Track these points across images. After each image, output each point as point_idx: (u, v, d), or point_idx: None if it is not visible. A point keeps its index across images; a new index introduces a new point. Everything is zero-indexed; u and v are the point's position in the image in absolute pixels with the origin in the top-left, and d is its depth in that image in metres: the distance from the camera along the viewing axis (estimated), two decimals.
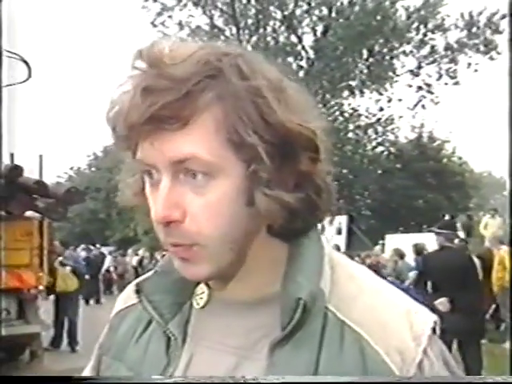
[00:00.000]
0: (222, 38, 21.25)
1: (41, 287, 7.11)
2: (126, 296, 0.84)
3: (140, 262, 18.26)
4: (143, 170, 0.65)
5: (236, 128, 0.60)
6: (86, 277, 11.94)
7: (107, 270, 18.61)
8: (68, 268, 8.55)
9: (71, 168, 33.59)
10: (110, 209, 26.85)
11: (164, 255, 0.84)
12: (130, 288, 0.83)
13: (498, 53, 19.98)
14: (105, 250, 20.57)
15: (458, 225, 12.85)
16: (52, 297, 8.58)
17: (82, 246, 18.23)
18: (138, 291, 0.74)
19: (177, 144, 0.60)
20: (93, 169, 33.32)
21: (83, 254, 16.84)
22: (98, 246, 20.15)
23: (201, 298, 0.74)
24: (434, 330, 0.65)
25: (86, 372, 0.84)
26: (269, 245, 0.70)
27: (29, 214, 6.72)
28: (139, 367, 0.72)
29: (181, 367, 0.69)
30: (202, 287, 0.74)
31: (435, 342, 0.65)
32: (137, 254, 19.18)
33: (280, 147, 0.62)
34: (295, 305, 0.63)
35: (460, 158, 25.27)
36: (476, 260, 8.12)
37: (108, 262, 19.11)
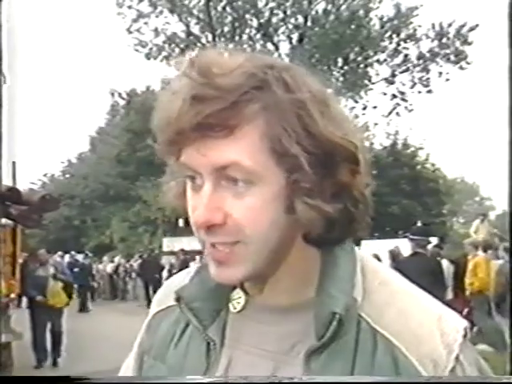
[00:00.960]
0: (199, 45, 21.24)
1: (12, 295, 6.97)
2: (160, 298, 0.86)
3: (116, 270, 18.05)
4: (186, 174, 0.67)
5: (280, 138, 0.62)
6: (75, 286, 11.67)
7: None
8: (60, 284, 8.00)
9: (45, 175, 33.08)
10: (85, 216, 26.50)
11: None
12: (164, 289, 0.87)
13: (468, 63, 20.47)
14: (79, 257, 20.26)
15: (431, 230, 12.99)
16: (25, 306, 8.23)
17: (59, 253, 17.92)
18: (178, 299, 0.76)
19: (221, 151, 0.62)
20: (67, 176, 32.85)
21: (66, 260, 16.66)
22: (73, 253, 19.81)
23: (238, 303, 0.76)
24: (465, 336, 0.66)
25: (128, 366, 0.86)
26: (304, 252, 0.71)
27: (1, 221, 6.60)
28: (180, 369, 0.74)
29: (220, 371, 0.72)
30: (238, 292, 0.76)
31: (467, 348, 0.65)
32: (112, 261, 18.95)
33: (321, 158, 0.63)
34: (330, 318, 0.65)
35: (433, 165, 25.65)
36: (449, 265, 8.29)
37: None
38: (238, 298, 0.76)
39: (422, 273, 5.44)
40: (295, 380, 0.66)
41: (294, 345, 0.69)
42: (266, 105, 0.62)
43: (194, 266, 0.85)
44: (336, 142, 0.64)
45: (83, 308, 14.89)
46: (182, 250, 15.82)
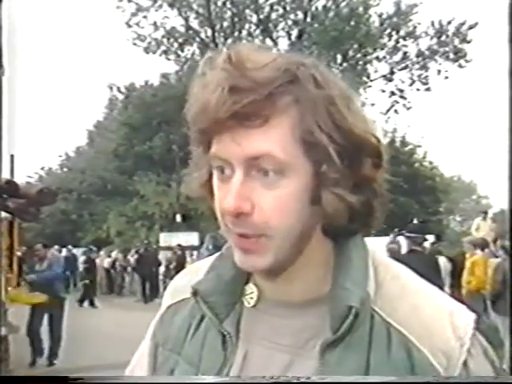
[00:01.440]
0: (197, 40, 21.22)
1: (10, 289, 6.97)
2: (173, 292, 0.88)
3: (113, 264, 18.04)
4: (216, 164, 0.69)
5: (310, 130, 0.64)
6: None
7: (73, 272, 18.42)
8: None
9: (42, 168, 33.00)
10: (82, 210, 26.47)
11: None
12: (176, 283, 0.89)
13: (467, 61, 20.51)
14: (76, 251, 20.26)
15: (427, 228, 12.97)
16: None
17: (56, 247, 17.91)
18: (195, 293, 0.77)
19: (255, 140, 0.64)
20: (64, 169, 32.80)
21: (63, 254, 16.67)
22: (69, 247, 19.80)
23: (251, 298, 0.77)
24: (475, 328, 0.67)
25: (140, 360, 0.87)
26: (319, 245, 0.73)
27: None
28: (198, 362, 0.76)
29: (237, 362, 0.73)
30: (250, 286, 0.78)
31: (478, 341, 0.67)
32: (109, 256, 18.95)
33: (348, 151, 0.66)
34: (346, 312, 0.66)
35: (431, 163, 25.73)
36: (446, 263, 8.31)
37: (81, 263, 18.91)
38: (250, 293, 0.78)
39: (419, 271, 5.46)
40: (303, 380, 0.67)
41: (309, 339, 0.71)
42: (298, 98, 0.65)
43: (203, 262, 0.87)
44: (362, 136, 0.67)
45: (92, 303, 14.61)
46: (179, 246, 15.83)
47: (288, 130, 0.65)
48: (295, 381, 0.67)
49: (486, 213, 11.97)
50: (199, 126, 0.68)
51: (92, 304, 14.58)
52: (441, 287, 6.43)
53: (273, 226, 0.66)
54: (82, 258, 16.71)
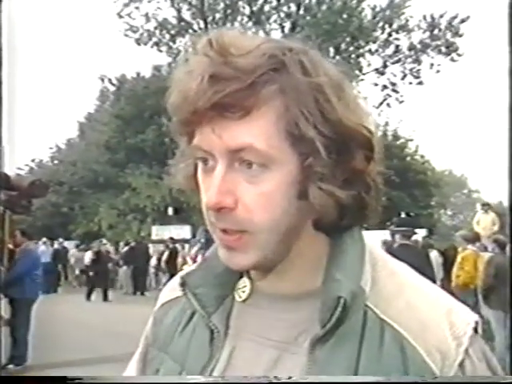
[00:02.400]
0: (190, 31, 21.09)
1: None
2: (170, 289, 0.85)
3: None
4: (198, 156, 0.66)
5: (296, 121, 0.61)
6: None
7: (64, 265, 18.36)
8: None
9: (33, 160, 32.73)
10: (73, 203, 26.32)
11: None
12: (171, 283, 0.86)
13: (459, 54, 20.56)
14: (67, 244, 20.19)
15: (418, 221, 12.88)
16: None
17: (44, 239, 17.81)
18: (182, 284, 0.75)
19: (237, 132, 0.61)
20: (55, 162, 32.56)
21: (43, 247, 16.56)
22: (60, 240, 19.70)
23: (243, 292, 0.75)
24: (475, 329, 0.64)
25: (134, 360, 0.86)
26: (313, 239, 0.71)
27: None
28: (184, 359, 0.74)
29: (223, 359, 0.71)
30: (244, 280, 0.75)
31: (477, 342, 0.64)
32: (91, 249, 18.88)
33: (337, 143, 0.63)
34: (335, 303, 0.63)
35: (422, 157, 25.82)
36: (438, 256, 8.37)
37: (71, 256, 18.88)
38: (243, 287, 0.75)
39: (410, 264, 5.49)
40: (294, 379, 0.65)
41: (299, 334, 0.68)
42: (284, 87, 0.61)
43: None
44: (352, 127, 0.64)
45: (105, 297, 14.29)
46: (171, 239, 15.79)
47: (272, 122, 0.62)
48: (285, 380, 0.65)
49: (488, 205, 11.45)
50: (179, 115, 0.65)
51: (106, 298, 14.27)
52: (433, 281, 6.52)
53: (257, 222, 0.64)
54: (89, 252, 16.48)
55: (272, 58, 0.62)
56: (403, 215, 13.58)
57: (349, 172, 0.65)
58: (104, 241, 17.63)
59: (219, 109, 0.60)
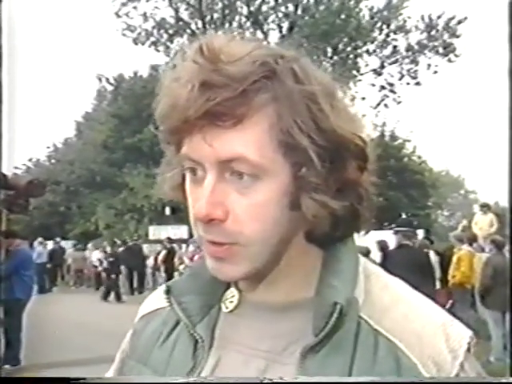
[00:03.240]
0: (188, 31, 21.08)
1: None
2: (152, 301, 0.83)
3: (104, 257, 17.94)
4: (187, 165, 0.64)
5: (289, 130, 0.59)
6: None
7: (57, 265, 18.29)
8: None
9: (30, 159, 32.66)
10: (70, 202, 26.28)
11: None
12: (154, 294, 0.84)
13: (456, 55, 20.60)
14: (64, 243, 20.15)
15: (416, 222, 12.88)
16: None
17: (39, 239, 17.75)
18: (167, 292, 0.73)
19: (228, 142, 0.59)
20: (52, 161, 32.51)
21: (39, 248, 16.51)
22: (57, 239, 19.67)
23: (231, 302, 0.73)
24: (469, 345, 0.64)
25: (109, 373, 0.82)
26: (304, 250, 0.69)
27: None
28: (164, 369, 0.71)
29: (207, 370, 0.68)
30: (232, 291, 0.74)
31: (471, 357, 0.64)
32: (97, 249, 18.85)
33: (330, 153, 0.61)
34: (331, 309, 0.62)
35: (420, 157, 25.85)
36: (435, 257, 8.37)
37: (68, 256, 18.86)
38: (231, 297, 0.73)
39: (410, 265, 5.51)
40: (285, 380, 0.63)
41: (288, 344, 0.67)
42: (276, 95, 0.60)
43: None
44: (346, 136, 0.62)
45: (118, 298, 14.15)
46: (169, 239, 15.76)
47: (264, 131, 0.60)
48: (276, 380, 0.64)
49: (486, 206, 11.21)
50: (168, 124, 0.63)
51: (119, 298, 14.12)
52: (433, 281, 6.49)
53: (247, 235, 0.62)
54: (97, 253, 16.28)
55: (263, 65, 0.60)
56: (404, 216, 13.56)
57: (342, 182, 0.64)
58: (118, 241, 17.39)
59: (210, 117, 0.59)
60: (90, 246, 19.41)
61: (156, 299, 0.82)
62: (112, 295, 14.20)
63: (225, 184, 0.62)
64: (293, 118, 0.60)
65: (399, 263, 5.59)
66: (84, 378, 0.69)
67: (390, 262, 6.03)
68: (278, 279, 0.69)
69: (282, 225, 0.63)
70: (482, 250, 7.65)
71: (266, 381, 0.64)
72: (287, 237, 0.66)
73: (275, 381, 0.64)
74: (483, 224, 10.33)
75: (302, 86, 0.61)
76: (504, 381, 0.67)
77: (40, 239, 17.67)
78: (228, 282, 0.72)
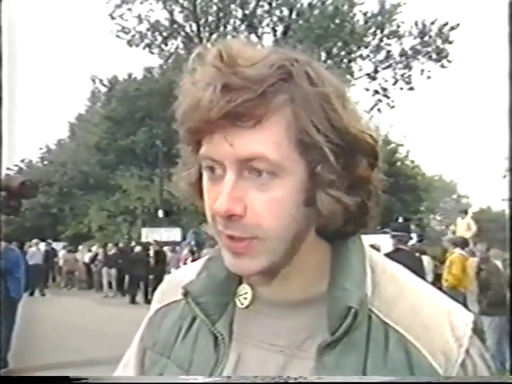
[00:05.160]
0: (182, 34, 21.09)
1: None
2: (164, 293, 0.85)
3: (93, 259, 17.88)
4: (206, 164, 0.67)
5: (306, 129, 0.62)
6: None
7: (49, 267, 18.18)
8: None
9: (22, 160, 32.49)
10: (63, 204, 26.16)
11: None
12: (165, 285, 0.86)
13: (449, 61, 20.75)
14: (56, 245, 20.04)
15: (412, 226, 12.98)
16: None
17: (34, 240, 17.62)
18: (185, 294, 0.75)
19: (248, 141, 0.62)
20: (45, 162, 32.36)
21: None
22: (49, 241, 19.55)
23: (245, 298, 0.75)
24: (473, 329, 0.66)
25: (129, 360, 0.85)
26: (315, 246, 0.72)
27: None
28: (188, 365, 0.74)
29: (230, 365, 0.71)
30: (244, 287, 0.76)
31: (475, 342, 0.66)
32: (90, 251, 18.78)
33: (344, 151, 0.64)
34: (345, 312, 0.65)
35: (413, 162, 25.96)
36: (429, 261, 8.43)
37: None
38: (244, 294, 0.75)
39: (408, 267, 5.55)
40: (301, 380, 0.65)
41: (304, 339, 0.69)
42: (293, 96, 0.63)
43: (195, 264, 0.84)
44: (358, 135, 0.65)
45: (133, 300, 13.95)
46: (156, 241, 15.68)
47: (282, 131, 0.63)
48: (291, 381, 0.66)
49: (465, 212, 12.00)
50: (189, 124, 0.65)
51: (133, 300, 13.94)
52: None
53: (265, 229, 0.64)
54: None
55: (280, 68, 0.63)
56: (400, 220, 13.59)
57: (354, 179, 0.66)
58: (134, 244, 17.19)
59: (231, 118, 0.61)
60: (81, 247, 19.34)
61: (169, 292, 0.84)
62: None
63: (244, 181, 0.64)
64: (309, 118, 0.62)
65: None
66: (86, 378, 0.70)
67: None
68: (291, 274, 0.71)
69: (299, 220, 0.66)
70: (473, 255, 7.70)
71: (290, 380, 0.66)
72: (302, 232, 0.68)
73: (299, 381, 0.66)
74: (460, 228, 10.76)
75: (316, 87, 0.64)
76: (504, 381, 0.69)
77: (35, 240, 17.57)
78: (245, 276, 0.74)
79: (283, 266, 0.70)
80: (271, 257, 0.67)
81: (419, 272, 6.06)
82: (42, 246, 18.34)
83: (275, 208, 0.64)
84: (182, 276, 0.82)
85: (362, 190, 0.68)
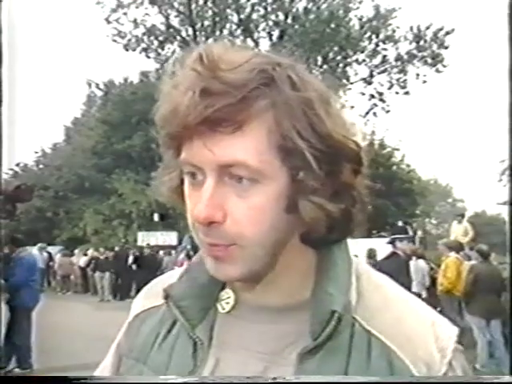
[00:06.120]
0: (178, 38, 21.11)
1: None
2: (145, 299, 0.84)
3: (89, 263, 17.80)
4: (187, 170, 0.66)
5: (287, 135, 0.61)
6: None
7: (47, 270, 18.09)
8: None
9: (18, 164, 32.38)
10: (58, 207, 26.07)
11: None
12: (146, 292, 0.85)
13: (444, 66, 20.82)
14: (51, 249, 19.95)
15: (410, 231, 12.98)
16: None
17: (39, 244, 17.51)
18: (166, 296, 0.74)
19: (228, 147, 0.61)
20: (41, 166, 32.26)
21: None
22: (44, 245, 19.46)
23: (227, 303, 0.74)
24: (457, 342, 0.67)
25: (104, 368, 0.83)
26: (300, 252, 0.71)
27: None
28: (164, 370, 0.72)
29: (207, 371, 0.70)
30: (227, 292, 0.75)
31: (458, 354, 0.66)
32: (85, 255, 18.70)
33: (327, 157, 0.63)
34: (329, 317, 0.64)
35: (408, 166, 26.00)
36: (425, 265, 8.45)
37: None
38: (226, 299, 0.75)
39: (398, 273, 5.63)
40: (284, 380, 0.65)
41: (286, 345, 0.68)
42: (275, 101, 0.61)
43: (177, 270, 0.83)
44: (341, 141, 0.64)
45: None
46: (148, 245, 15.61)
47: (263, 137, 0.61)
48: (270, 381, 0.66)
49: (462, 216, 11.91)
50: (168, 129, 0.64)
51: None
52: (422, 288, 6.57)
53: (246, 236, 0.63)
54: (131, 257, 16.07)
55: (262, 72, 0.61)
56: (400, 223, 13.58)
57: (338, 185, 0.65)
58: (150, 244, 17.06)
59: (210, 123, 0.60)
60: (76, 251, 19.25)
61: (149, 297, 0.83)
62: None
63: (224, 187, 0.63)
64: (291, 124, 0.61)
65: (390, 271, 5.70)
66: (85, 378, 0.70)
67: (384, 269, 6.14)
68: (275, 281, 0.71)
69: (280, 227, 0.65)
70: (469, 258, 7.71)
71: (269, 380, 0.66)
72: (284, 239, 0.67)
73: (278, 380, 0.65)
74: (457, 233, 10.67)
75: (298, 92, 0.62)
76: (495, 380, 0.68)
77: (40, 244, 17.49)
78: (226, 281, 0.73)
79: (265, 272, 0.69)
80: (251, 263, 0.66)
81: (406, 275, 6.13)
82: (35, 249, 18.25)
83: (256, 215, 0.63)
84: (163, 282, 0.81)
85: (346, 197, 0.67)
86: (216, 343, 0.72)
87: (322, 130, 0.62)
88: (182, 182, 0.70)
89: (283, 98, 0.62)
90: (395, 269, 5.87)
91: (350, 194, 0.67)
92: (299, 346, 0.66)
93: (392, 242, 6.60)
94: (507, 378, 0.70)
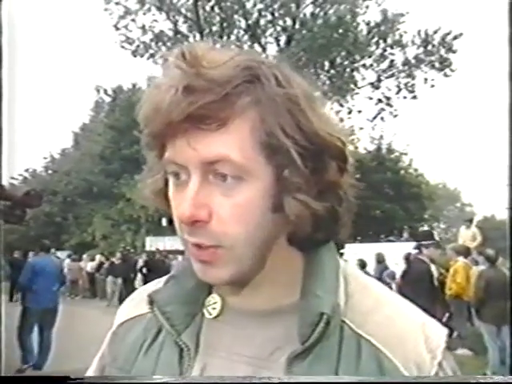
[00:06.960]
0: (186, 44, 21.18)
1: None
2: (130, 307, 0.82)
3: (98, 268, 17.85)
4: (171, 170, 0.65)
5: (272, 132, 0.61)
6: None
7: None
8: None
9: (27, 170, 32.60)
10: (67, 213, 26.20)
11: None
12: (132, 300, 0.83)
13: (452, 70, 20.75)
14: (60, 254, 20.04)
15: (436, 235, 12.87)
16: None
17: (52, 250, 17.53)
18: (151, 302, 0.73)
19: (211, 144, 0.60)
20: (49, 171, 32.46)
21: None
22: (53, 250, 19.55)
23: (213, 308, 0.73)
24: (446, 343, 0.66)
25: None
26: (287, 254, 0.70)
27: None
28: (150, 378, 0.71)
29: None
30: (214, 297, 0.74)
31: (448, 355, 0.66)
32: (93, 260, 18.76)
33: (312, 154, 0.62)
34: (318, 319, 0.63)
35: (416, 170, 25.89)
36: (435, 270, 8.43)
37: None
38: (213, 304, 0.74)
39: (420, 277, 5.68)
40: (273, 380, 0.64)
41: (274, 350, 0.67)
42: (258, 98, 0.61)
43: (165, 276, 0.82)
44: (326, 138, 0.64)
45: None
46: (158, 250, 15.62)
47: (247, 133, 0.61)
48: (262, 381, 0.65)
49: (470, 221, 11.82)
50: (151, 128, 0.64)
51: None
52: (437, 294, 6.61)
53: (231, 235, 0.63)
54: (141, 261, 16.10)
55: (246, 69, 0.61)
56: (426, 228, 13.49)
57: (323, 183, 0.65)
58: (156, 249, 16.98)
59: (194, 120, 0.59)
60: (84, 256, 19.31)
61: (134, 306, 0.81)
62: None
63: (209, 186, 0.62)
64: (276, 121, 0.61)
65: (416, 274, 5.77)
66: (82, 378, 0.69)
67: (412, 271, 6.23)
68: (262, 284, 0.70)
69: (266, 226, 0.64)
70: (476, 263, 7.66)
71: (254, 380, 0.65)
72: (270, 239, 0.66)
73: (264, 381, 0.65)
74: (466, 238, 10.60)
75: (283, 89, 0.62)
76: (481, 381, 0.67)
77: (53, 250, 17.53)
78: (215, 285, 0.73)
79: (253, 275, 0.68)
80: (239, 265, 0.65)
81: (428, 280, 6.14)
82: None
83: (241, 214, 0.62)
84: (148, 290, 0.78)
85: (332, 196, 0.66)
86: (203, 349, 0.71)
87: (307, 126, 0.62)
88: (166, 184, 0.69)
89: (268, 94, 0.61)
90: (420, 275, 5.89)
91: (335, 193, 0.67)
92: (288, 350, 0.65)
93: (418, 248, 6.55)
94: (499, 378, 0.70)
